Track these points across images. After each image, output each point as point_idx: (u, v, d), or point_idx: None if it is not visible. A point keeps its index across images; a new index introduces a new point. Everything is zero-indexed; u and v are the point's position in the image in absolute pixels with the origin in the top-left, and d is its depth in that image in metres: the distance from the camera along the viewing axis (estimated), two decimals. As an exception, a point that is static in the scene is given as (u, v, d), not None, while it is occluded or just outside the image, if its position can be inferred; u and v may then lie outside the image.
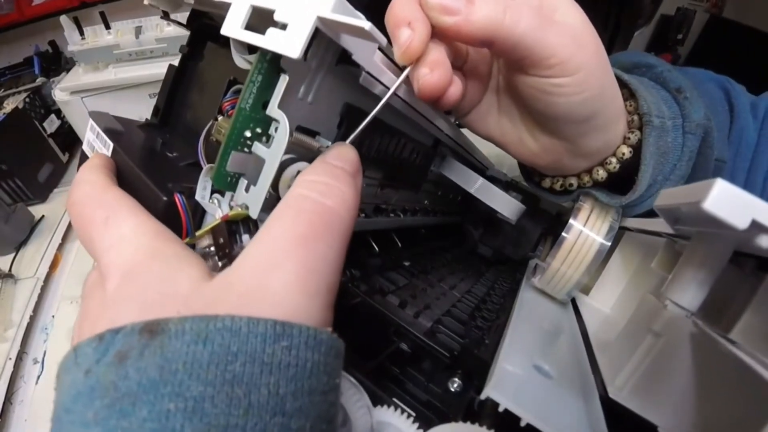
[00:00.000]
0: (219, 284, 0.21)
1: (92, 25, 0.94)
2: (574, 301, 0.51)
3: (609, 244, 0.44)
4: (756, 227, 0.19)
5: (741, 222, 0.18)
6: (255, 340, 0.18)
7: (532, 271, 0.56)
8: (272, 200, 0.26)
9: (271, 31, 0.22)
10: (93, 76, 0.95)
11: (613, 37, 1.13)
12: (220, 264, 0.27)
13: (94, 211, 0.25)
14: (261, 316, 0.19)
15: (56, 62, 1.17)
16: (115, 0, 1.16)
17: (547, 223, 0.71)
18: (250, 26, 0.24)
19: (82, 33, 0.93)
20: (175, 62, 0.39)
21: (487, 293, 0.53)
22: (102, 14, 0.94)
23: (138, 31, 0.93)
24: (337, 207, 0.23)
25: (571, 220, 0.45)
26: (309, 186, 0.23)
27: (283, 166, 0.25)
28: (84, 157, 0.35)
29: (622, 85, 0.43)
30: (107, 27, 0.94)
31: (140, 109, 0.98)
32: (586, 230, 0.44)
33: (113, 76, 0.95)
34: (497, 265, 0.73)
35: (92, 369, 0.18)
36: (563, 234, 0.45)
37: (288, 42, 0.21)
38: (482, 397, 0.26)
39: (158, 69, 0.94)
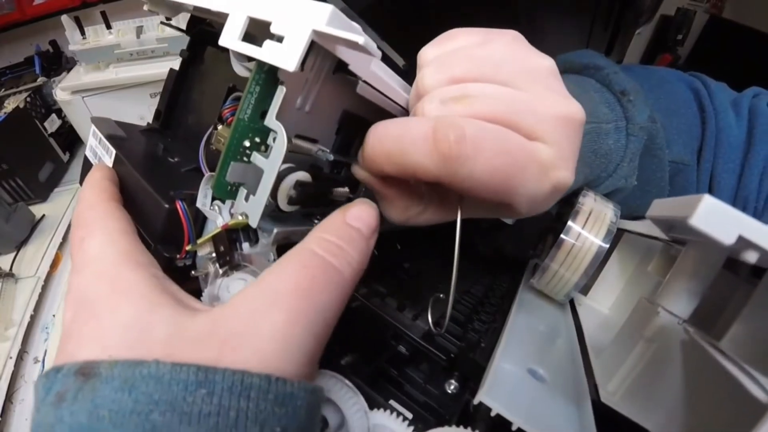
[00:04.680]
0: (206, 323, 0.20)
1: (93, 25, 0.93)
2: (572, 302, 0.51)
3: (607, 246, 0.44)
4: (743, 242, 0.19)
5: (727, 237, 0.19)
6: (176, 388, 0.17)
7: (531, 271, 0.57)
8: (271, 209, 0.26)
9: (268, 43, 0.22)
10: (94, 75, 0.95)
11: (614, 37, 1.13)
12: (220, 271, 0.27)
13: (75, 230, 0.25)
14: (240, 357, 0.19)
15: (57, 62, 1.17)
16: (116, 0, 1.16)
17: (546, 222, 0.71)
18: (248, 35, 0.24)
19: (83, 32, 0.93)
20: (176, 63, 0.39)
21: (485, 294, 0.53)
22: (103, 14, 0.94)
23: (139, 30, 0.93)
24: (342, 269, 0.23)
25: (569, 222, 0.45)
26: (320, 244, 0.24)
27: (281, 176, 0.25)
28: (87, 164, 0.36)
29: None
30: (108, 27, 0.94)
31: (141, 108, 0.99)
32: (585, 232, 0.45)
33: (114, 75, 0.94)
34: (497, 265, 0.74)
35: (39, 407, 0.18)
36: (562, 236, 0.45)
37: (284, 55, 0.21)
38: (475, 402, 0.26)
39: (159, 69, 0.94)
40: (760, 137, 0.53)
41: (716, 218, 0.19)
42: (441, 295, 0.36)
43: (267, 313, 0.20)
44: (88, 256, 0.24)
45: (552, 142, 0.27)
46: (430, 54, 0.31)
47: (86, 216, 0.26)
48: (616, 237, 0.47)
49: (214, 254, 0.28)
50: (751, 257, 0.19)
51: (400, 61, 0.70)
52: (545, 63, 0.29)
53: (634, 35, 1.50)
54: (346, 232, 0.25)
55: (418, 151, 0.25)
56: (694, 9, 1.85)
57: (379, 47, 0.39)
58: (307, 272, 0.22)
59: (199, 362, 0.18)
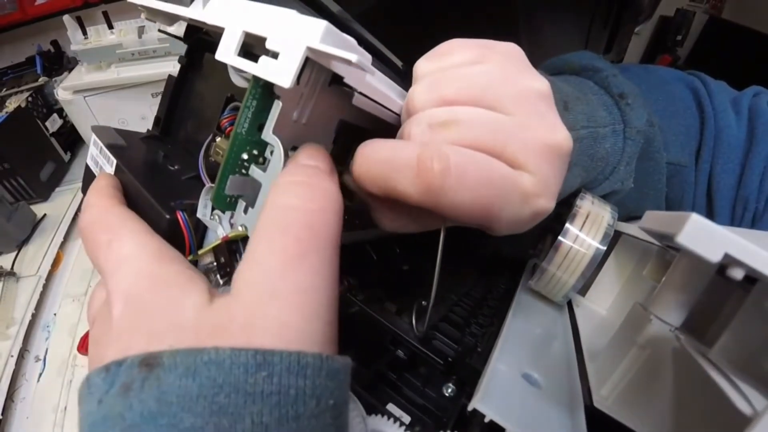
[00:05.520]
0: (221, 312, 0.21)
1: (95, 25, 0.94)
2: (570, 303, 0.51)
3: (604, 248, 0.44)
4: (729, 259, 0.19)
5: (714, 255, 0.19)
6: (238, 371, 0.18)
7: (531, 271, 0.57)
8: None
9: (263, 59, 0.22)
10: (96, 75, 0.96)
11: (613, 36, 1.13)
12: (221, 281, 0.27)
13: (99, 234, 0.26)
14: (263, 345, 0.19)
15: (58, 62, 1.17)
16: (118, 0, 1.16)
17: (546, 223, 0.71)
18: (245, 45, 0.24)
19: (84, 32, 0.93)
20: (176, 65, 0.40)
21: (483, 297, 0.53)
22: (105, 14, 0.94)
23: (141, 30, 0.93)
24: (323, 207, 0.23)
25: (567, 224, 0.45)
26: (290, 190, 0.23)
27: None
28: (88, 172, 0.36)
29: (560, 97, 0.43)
30: (110, 27, 0.94)
31: (143, 108, 0.99)
32: (582, 235, 0.45)
33: (116, 75, 0.95)
34: (496, 266, 0.74)
35: (103, 399, 0.19)
36: (559, 238, 0.45)
37: (279, 71, 0.22)
38: (469, 408, 0.27)
39: (161, 68, 0.95)
40: (761, 137, 0.53)
41: (702, 236, 0.19)
42: (423, 302, 0.36)
43: (271, 299, 0.21)
44: (122, 255, 0.24)
45: (535, 171, 0.27)
46: (423, 68, 0.31)
47: (107, 220, 0.26)
48: (614, 238, 0.47)
49: (215, 264, 0.28)
50: (737, 273, 0.20)
51: (399, 63, 0.70)
52: (538, 86, 0.29)
53: (633, 34, 1.49)
54: (306, 171, 0.25)
55: (402, 179, 0.25)
56: (693, 10, 1.84)
57: (377, 49, 0.39)
58: (291, 235, 0.22)
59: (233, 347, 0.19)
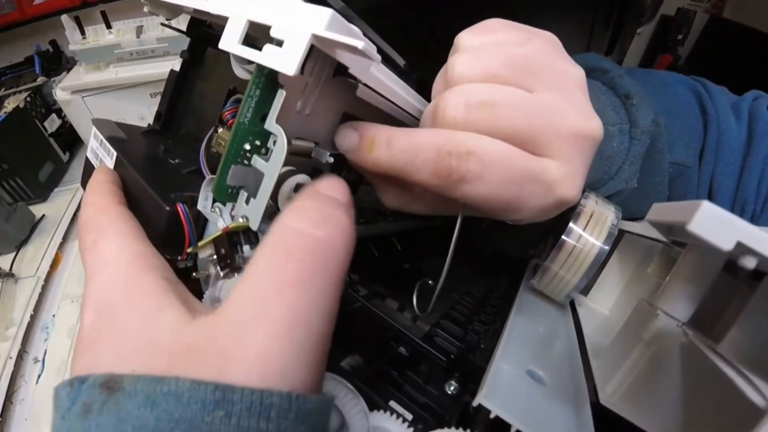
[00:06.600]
0: (201, 333, 0.20)
1: (93, 25, 0.93)
2: (572, 303, 0.51)
3: (608, 248, 0.44)
4: (741, 248, 0.19)
5: (726, 244, 0.19)
6: (195, 407, 0.17)
7: (532, 271, 0.57)
8: (271, 211, 0.26)
9: (268, 47, 0.22)
10: (94, 75, 0.95)
11: (615, 36, 1.13)
12: (221, 274, 0.27)
13: (88, 234, 0.25)
14: (235, 376, 0.18)
15: (57, 62, 1.17)
16: (116, 0, 1.16)
17: (547, 223, 0.71)
18: (248, 37, 0.24)
19: (83, 32, 0.93)
20: (177, 63, 0.39)
21: (485, 295, 0.53)
22: (103, 13, 0.94)
23: (139, 30, 0.93)
24: (332, 237, 0.21)
25: (570, 224, 0.45)
26: (300, 214, 0.22)
27: (281, 179, 0.25)
28: (88, 165, 0.36)
29: None
30: (108, 26, 0.94)
31: (141, 108, 0.99)
32: (586, 234, 0.45)
33: (114, 75, 0.94)
34: (497, 266, 0.73)
35: (65, 416, 0.18)
36: (563, 237, 0.45)
37: (284, 59, 0.21)
38: (474, 404, 0.26)
39: (159, 68, 0.94)
40: (760, 139, 0.54)
41: (714, 224, 0.19)
42: (430, 282, 0.36)
43: (258, 323, 0.19)
44: (102, 259, 0.23)
45: (564, 159, 0.27)
46: (467, 40, 0.31)
47: (98, 219, 0.26)
48: (617, 238, 0.47)
49: (215, 256, 0.28)
50: (749, 263, 0.19)
51: (400, 61, 0.70)
52: (576, 73, 0.30)
53: (635, 35, 1.50)
54: (322, 198, 0.23)
55: (420, 169, 0.26)
56: (694, 9, 1.85)
57: (379, 47, 0.39)
58: (293, 259, 0.20)
59: (201, 376, 0.18)
